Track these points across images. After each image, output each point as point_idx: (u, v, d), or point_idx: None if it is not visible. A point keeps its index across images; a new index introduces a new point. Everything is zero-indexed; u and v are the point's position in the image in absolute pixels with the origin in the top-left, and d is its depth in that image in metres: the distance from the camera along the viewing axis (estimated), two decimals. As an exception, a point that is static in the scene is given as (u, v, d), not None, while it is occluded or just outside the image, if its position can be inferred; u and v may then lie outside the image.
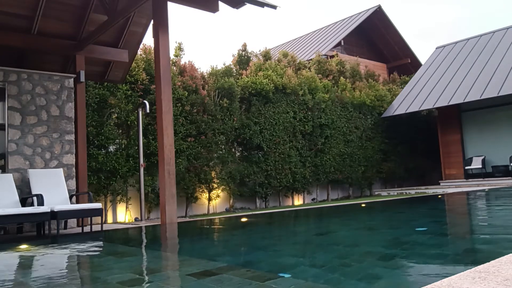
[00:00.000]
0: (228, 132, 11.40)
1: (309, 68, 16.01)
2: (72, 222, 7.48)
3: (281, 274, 2.67)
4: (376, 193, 15.30)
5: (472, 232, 4.48)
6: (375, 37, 22.79)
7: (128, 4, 7.09)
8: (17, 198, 6.44)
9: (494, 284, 1.88)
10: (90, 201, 6.90)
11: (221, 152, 11.28)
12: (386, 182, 16.47)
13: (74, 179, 7.51)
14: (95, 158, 8.90)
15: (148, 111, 9.16)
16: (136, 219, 9.43)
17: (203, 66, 22.41)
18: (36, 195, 6.30)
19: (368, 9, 22.15)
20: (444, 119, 16.09)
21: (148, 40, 23.98)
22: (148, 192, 9.62)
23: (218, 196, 11.08)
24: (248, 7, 6.44)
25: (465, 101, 13.97)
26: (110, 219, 9.36)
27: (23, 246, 4.91)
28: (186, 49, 20.12)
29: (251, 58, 14.36)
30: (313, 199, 13.84)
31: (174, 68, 11.03)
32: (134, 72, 9.95)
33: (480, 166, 14.68)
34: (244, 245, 4.43)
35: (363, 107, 15.45)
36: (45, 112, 7.27)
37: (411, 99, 15.99)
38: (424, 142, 17.12)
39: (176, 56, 11.62)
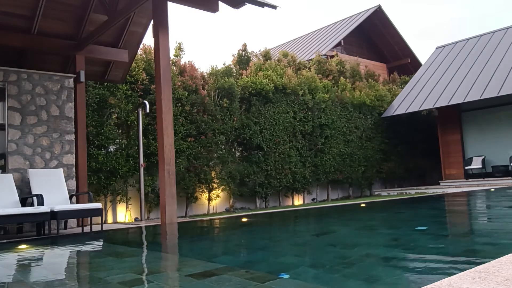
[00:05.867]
0: (228, 132, 11.40)
1: (309, 68, 16.00)
2: (72, 222, 7.48)
3: (281, 275, 2.66)
4: (376, 193, 15.30)
5: (472, 232, 4.48)
6: (375, 37, 22.79)
7: (128, 4, 7.09)
8: (17, 198, 6.44)
9: (494, 284, 1.88)
10: (90, 201, 6.91)
11: (221, 152, 11.28)
12: (386, 182, 16.47)
13: (74, 179, 7.51)
14: (95, 158, 8.90)
15: (148, 111, 9.17)
16: (136, 219, 9.44)
17: (203, 66, 22.49)
18: (36, 195, 6.30)
19: (368, 9, 22.15)
20: (444, 119, 16.09)
21: (148, 40, 24.00)
22: (148, 192, 9.62)
23: (218, 196, 11.08)
24: (248, 7, 6.44)
25: (465, 101, 13.97)
26: (110, 219, 9.36)
27: (23, 246, 4.91)
28: (186, 49, 20.13)
29: (251, 58, 14.37)
30: (313, 199, 13.84)
31: (174, 68, 11.03)
32: (134, 72, 9.95)
33: (480, 166, 14.67)
34: (244, 246, 4.42)
35: (363, 107, 15.45)
36: (45, 112, 7.27)
37: (411, 99, 15.99)
38: (424, 142, 17.12)
39: (176, 56, 11.62)
